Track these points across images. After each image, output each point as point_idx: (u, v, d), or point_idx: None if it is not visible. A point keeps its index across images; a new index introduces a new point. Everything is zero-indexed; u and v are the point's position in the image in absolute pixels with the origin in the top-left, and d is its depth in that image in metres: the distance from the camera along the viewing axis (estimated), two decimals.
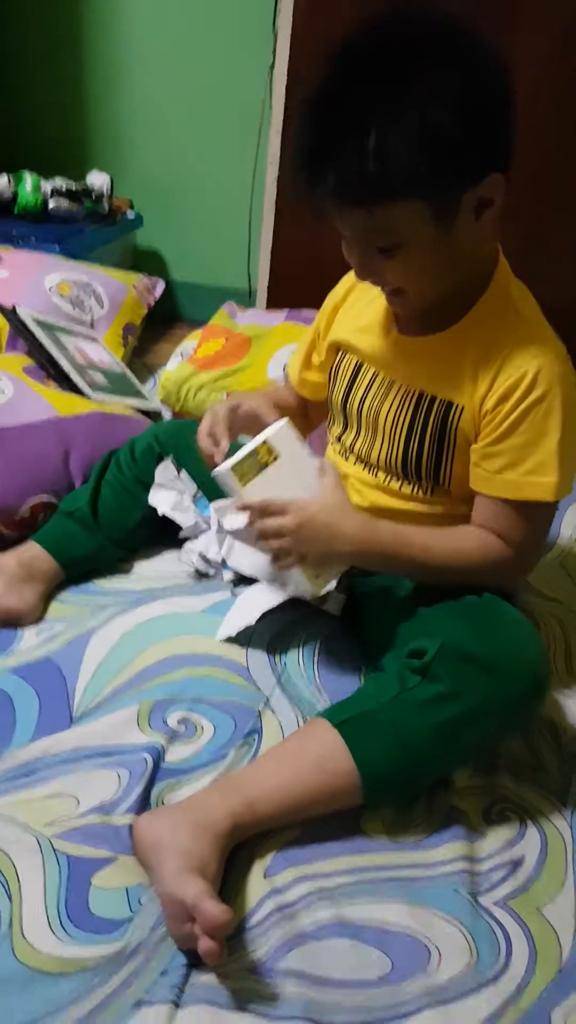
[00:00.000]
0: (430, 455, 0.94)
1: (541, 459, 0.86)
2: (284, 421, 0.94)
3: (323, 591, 0.99)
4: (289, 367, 1.16)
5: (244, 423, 1.01)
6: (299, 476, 0.92)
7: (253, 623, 1.01)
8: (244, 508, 0.90)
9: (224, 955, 0.68)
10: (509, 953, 0.74)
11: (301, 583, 0.97)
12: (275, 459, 0.91)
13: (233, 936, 0.72)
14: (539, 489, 0.87)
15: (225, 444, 0.97)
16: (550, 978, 0.73)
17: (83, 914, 0.72)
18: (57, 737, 0.88)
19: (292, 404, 1.16)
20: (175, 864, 0.70)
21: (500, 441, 0.88)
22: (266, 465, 0.91)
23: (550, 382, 0.85)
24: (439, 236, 0.80)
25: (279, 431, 0.93)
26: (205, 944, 0.66)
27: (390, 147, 0.73)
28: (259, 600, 1.03)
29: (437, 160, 0.74)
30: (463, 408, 0.90)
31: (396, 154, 0.73)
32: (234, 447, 0.95)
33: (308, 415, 1.17)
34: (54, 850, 0.76)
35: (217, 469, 0.91)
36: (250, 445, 0.91)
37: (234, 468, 0.90)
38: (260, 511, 0.89)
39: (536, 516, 0.89)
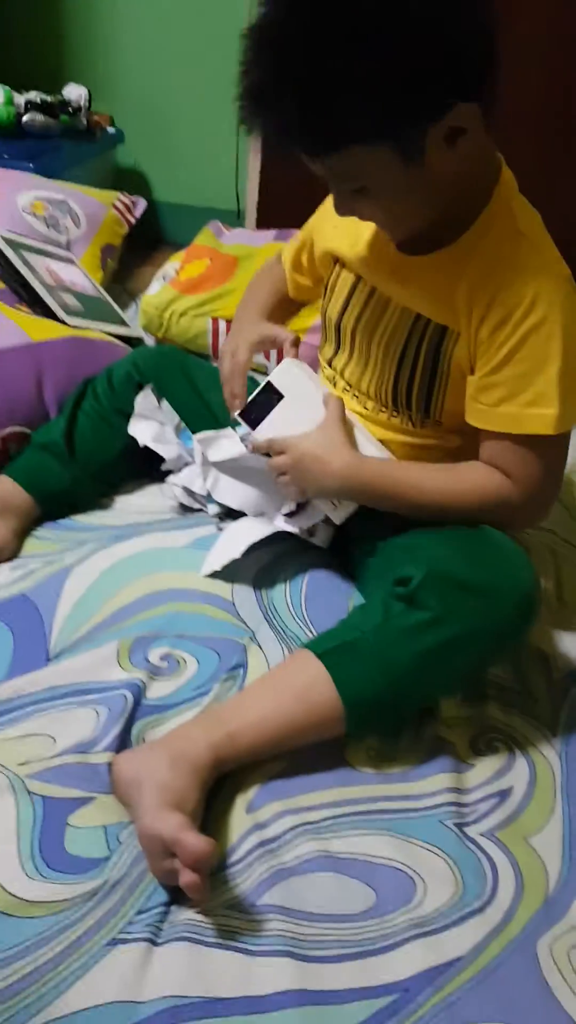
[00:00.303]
0: (421, 384, 0.90)
1: (541, 389, 0.81)
2: (287, 361, 0.97)
3: (341, 519, 0.98)
4: (284, 258, 1.11)
5: (261, 348, 1.03)
6: (306, 412, 0.94)
7: (239, 556, 0.97)
8: (255, 450, 0.95)
9: (207, 888, 0.67)
10: (495, 884, 0.73)
11: (321, 510, 0.99)
12: (280, 399, 0.95)
13: (214, 872, 0.71)
14: (540, 422, 0.82)
15: (241, 394, 0.99)
16: (536, 908, 0.72)
17: (58, 854, 0.71)
18: (32, 676, 0.86)
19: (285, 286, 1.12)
20: (152, 799, 0.69)
21: (497, 371, 0.82)
22: (273, 406, 0.95)
23: (550, 305, 0.79)
24: (409, 174, 0.75)
25: (283, 371, 0.96)
26: (187, 877, 0.65)
27: (337, 92, 0.67)
28: (245, 533, 1.00)
29: (390, 99, 0.68)
30: (458, 335, 0.85)
31: (345, 99, 0.68)
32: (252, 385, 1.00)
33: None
34: (28, 791, 0.75)
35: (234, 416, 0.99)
36: (258, 389, 0.97)
37: (241, 414, 0.97)
38: (266, 450, 0.93)
39: (542, 451, 0.84)
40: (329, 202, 1.00)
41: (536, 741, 0.87)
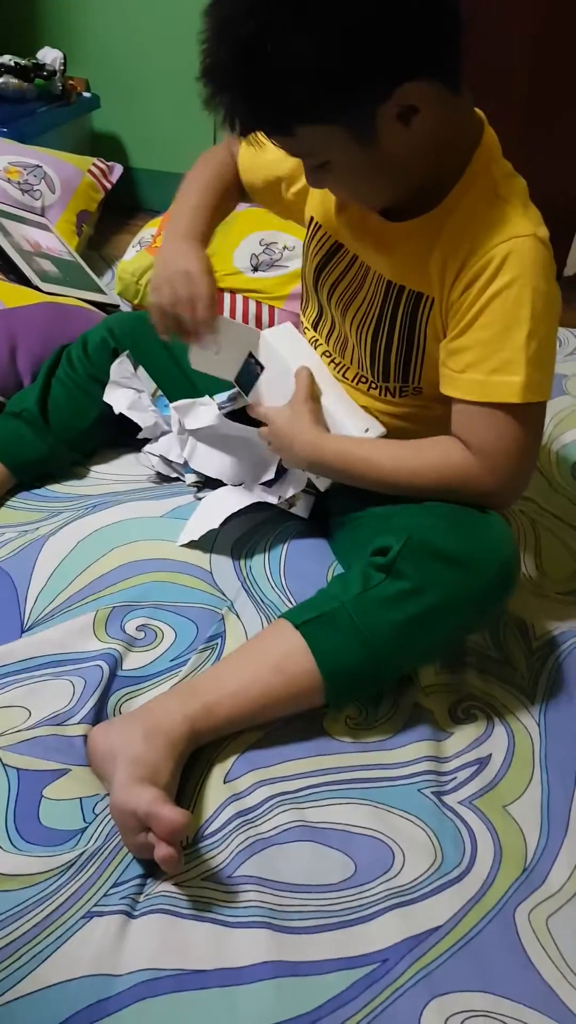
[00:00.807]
0: (398, 353, 0.88)
1: (508, 356, 0.77)
2: (265, 332, 0.96)
3: (325, 486, 0.98)
4: (241, 162, 1.01)
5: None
6: (284, 384, 0.94)
7: (217, 526, 0.96)
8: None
9: (181, 861, 0.66)
10: (474, 852, 0.73)
11: (301, 479, 0.99)
12: (261, 370, 0.95)
13: (191, 844, 0.70)
14: (505, 390, 0.77)
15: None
16: (515, 877, 0.72)
17: (33, 826, 0.69)
18: (7, 647, 0.84)
19: (232, 177, 1.01)
20: (125, 773, 0.68)
21: (463, 333, 0.79)
22: (257, 376, 0.96)
23: (521, 267, 0.76)
24: (364, 152, 0.73)
25: (263, 343, 0.95)
26: (162, 851, 0.64)
27: (280, 74, 0.67)
28: (223, 503, 0.98)
29: (331, 81, 0.67)
30: (433, 300, 0.83)
31: (287, 81, 0.67)
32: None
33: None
34: (2, 763, 0.73)
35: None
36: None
37: (236, 379, 0.97)
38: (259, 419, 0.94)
39: (510, 422, 0.79)
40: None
41: (515, 709, 0.87)
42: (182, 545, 0.97)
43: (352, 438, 0.91)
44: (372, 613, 0.77)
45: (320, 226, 0.94)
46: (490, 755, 0.82)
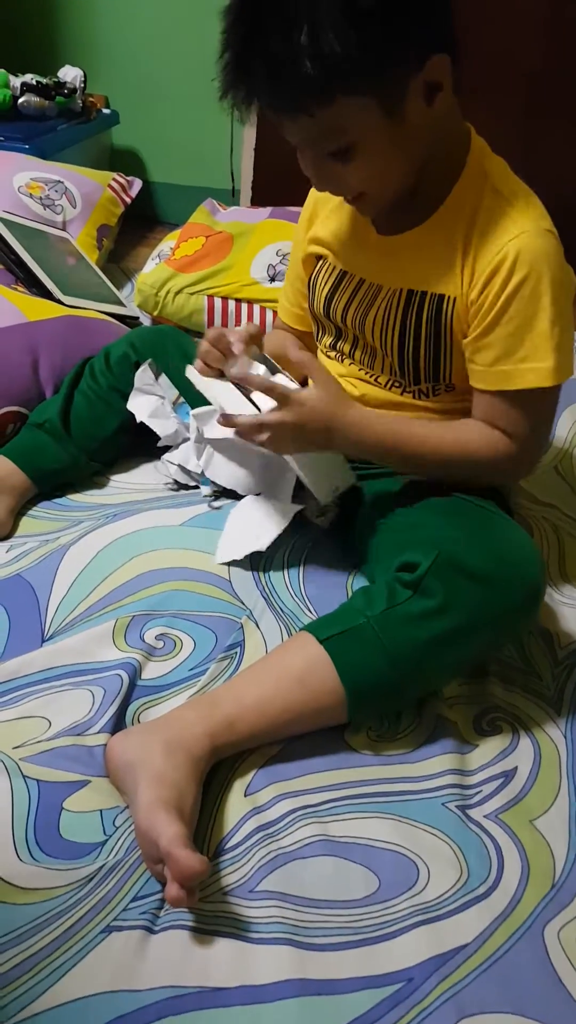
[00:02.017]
0: (427, 354, 0.88)
1: (535, 344, 0.80)
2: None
3: (329, 498, 0.95)
4: (281, 312, 1.08)
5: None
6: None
7: (264, 550, 0.94)
8: (244, 381, 0.84)
9: (193, 901, 0.63)
10: (501, 868, 0.71)
11: (311, 490, 0.93)
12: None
13: (212, 858, 0.69)
14: (536, 375, 0.81)
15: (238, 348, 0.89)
16: (543, 893, 0.70)
17: (53, 839, 0.69)
18: (27, 657, 0.83)
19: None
20: (149, 794, 0.66)
21: (489, 332, 0.82)
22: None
23: (533, 260, 0.79)
24: (391, 129, 0.74)
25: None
26: (173, 892, 0.62)
27: (321, 41, 0.67)
28: (264, 522, 0.97)
29: (374, 47, 0.68)
30: (455, 299, 0.84)
31: (330, 48, 0.67)
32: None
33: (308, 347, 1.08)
34: (23, 775, 0.72)
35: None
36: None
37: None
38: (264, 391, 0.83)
39: (538, 405, 0.84)
40: (302, 219, 1.00)
41: (540, 720, 0.85)
42: (220, 563, 0.95)
43: (391, 416, 0.90)
44: (398, 630, 0.76)
45: (325, 259, 0.96)
46: (516, 768, 0.80)
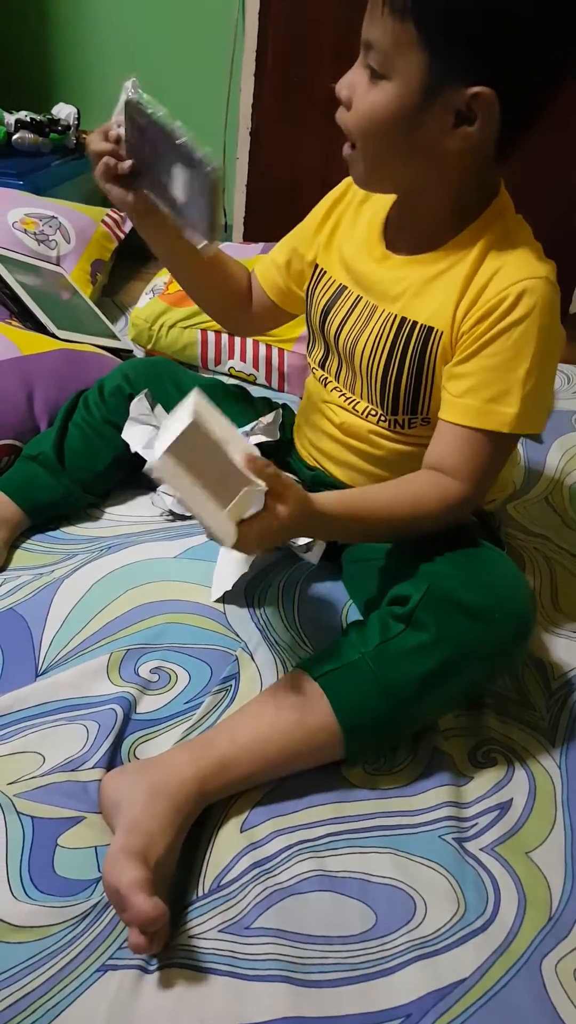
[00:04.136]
0: (408, 385, 0.89)
1: (506, 387, 0.80)
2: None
3: (317, 560, 0.94)
4: (261, 274, 1.06)
5: None
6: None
7: (247, 570, 0.95)
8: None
9: (156, 949, 0.63)
10: (498, 901, 0.71)
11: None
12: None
13: (207, 895, 0.69)
14: (498, 419, 0.81)
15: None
16: (540, 926, 0.69)
17: (48, 876, 0.68)
18: (21, 692, 0.83)
19: (241, 288, 1.05)
20: (117, 842, 0.66)
21: (468, 360, 0.82)
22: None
23: (532, 305, 0.79)
24: (417, 101, 0.75)
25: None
26: (133, 938, 0.61)
27: None
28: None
29: (465, 29, 0.70)
30: (443, 334, 0.85)
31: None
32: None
33: (253, 315, 1.08)
34: (16, 811, 0.72)
35: None
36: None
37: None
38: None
39: (492, 448, 0.83)
40: (310, 217, 1.00)
41: (535, 751, 0.85)
42: (215, 600, 0.96)
43: (343, 498, 0.85)
44: (392, 665, 0.76)
45: (325, 271, 0.96)
46: (511, 800, 0.80)
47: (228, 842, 0.73)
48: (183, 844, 0.70)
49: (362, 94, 0.78)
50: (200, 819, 0.72)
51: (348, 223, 0.95)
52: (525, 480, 1.34)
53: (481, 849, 0.75)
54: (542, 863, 0.75)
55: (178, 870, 0.69)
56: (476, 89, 0.73)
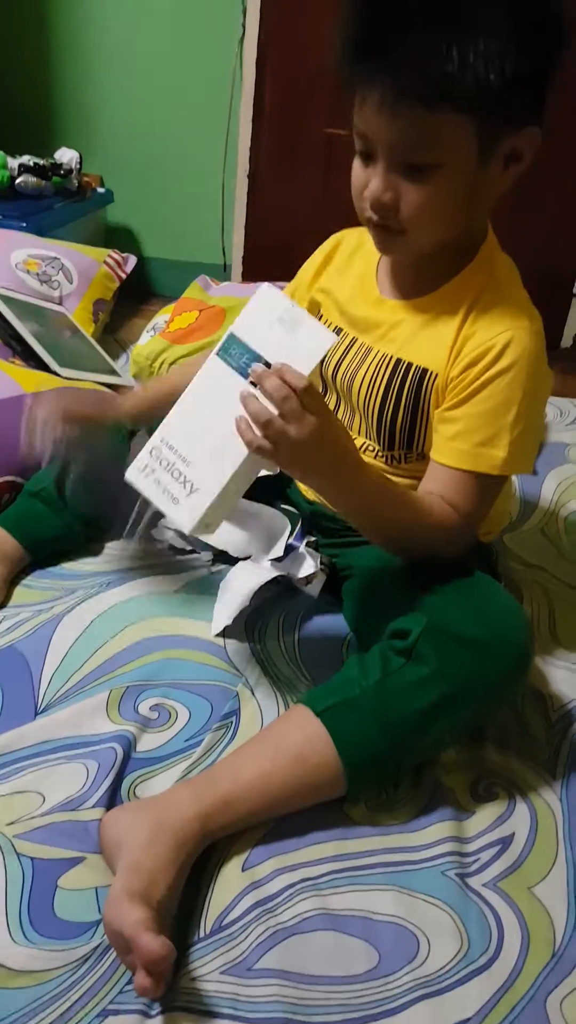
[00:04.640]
0: (404, 422, 0.90)
1: (495, 432, 0.83)
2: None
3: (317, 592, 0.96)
4: None
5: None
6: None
7: (248, 603, 0.96)
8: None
9: (161, 991, 0.62)
10: (501, 937, 0.70)
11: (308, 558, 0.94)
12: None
13: (209, 935, 0.68)
14: (487, 462, 0.83)
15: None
16: (544, 962, 0.69)
17: (48, 918, 0.68)
18: (20, 731, 0.83)
19: None
20: (119, 884, 0.65)
21: (458, 406, 0.85)
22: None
23: (518, 355, 0.82)
24: (473, 169, 0.77)
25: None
26: (141, 979, 0.60)
27: (471, 53, 0.69)
28: (246, 580, 0.98)
29: (504, 86, 0.71)
30: (436, 375, 0.87)
31: (475, 63, 0.70)
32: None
33: None
34: (16, 852, 0.72)
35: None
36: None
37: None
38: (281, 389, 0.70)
39: (481, 490, 0.85)
40: (310, 262, 1.02)
41: (536, 784, 0.85)
42: (216, 635, 0.96)
43: (382, 474, 0.85)
44: (394, 700, 0.76)
45: (321, 315, 0.99)
46: (513, 834, 0.79)
47: (230, 881, 0.72)
48: (184, 884, 0.70)
49: (412, 194, 0.77)
50: (201, 858, 0.72)
51: (341, 271, 0.98)
52: (521, 512, 1.35)
53: (484, 885, 0.75)
54: (545, 898, 0.74)
55: (179, 910, 0.69)
56: (524, 131, 0.76)
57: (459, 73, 0.70)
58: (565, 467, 1.48)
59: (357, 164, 0.80)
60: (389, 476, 0.94)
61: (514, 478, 1.40)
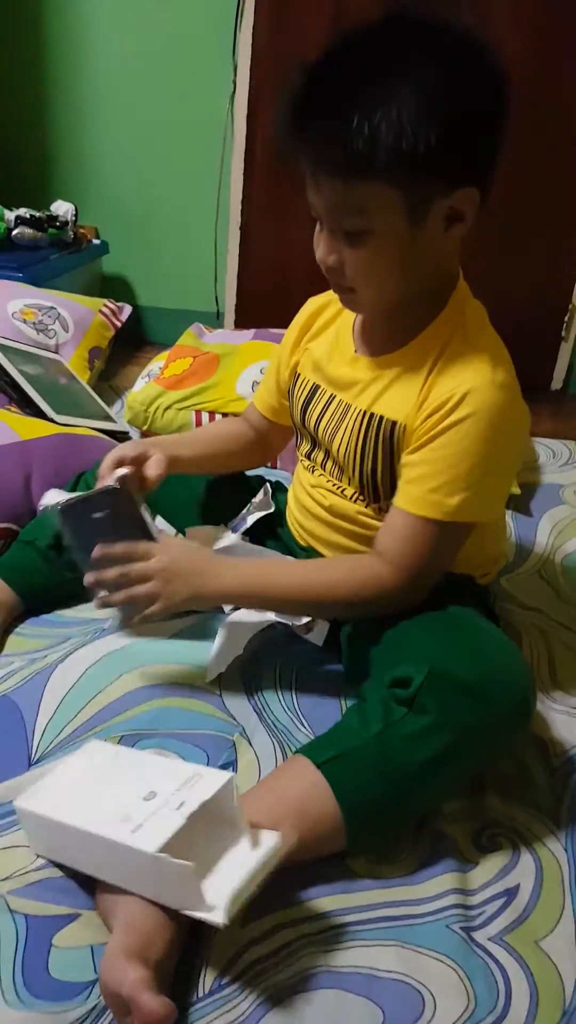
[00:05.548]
0: (384, 476, 0.92)
1: (449, 479, 0.83)
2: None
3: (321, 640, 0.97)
4: (256, 399, 1.13)
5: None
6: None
7: (242, 651, 0.95)
8: (105, 556, 0.87)
9: None
10: (508, 994, 0.68)
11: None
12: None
13: (208, 995, 0.66)
14: (438, 508, 0.84)
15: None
16: (554, 1021, 0.67)
17: (42, 979, 0.65)
18: (14, 782, 0.82)
19: (246, 436, 1.13)
20: (116, 943, 0.63)
21: (416, 452, 0.86)
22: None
23: (477, 406, 0.82)
24: (406, 233, 0.79)
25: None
26: None
27: (378, 127, 0.72)
28: (241, 628, 0.98)
29: (419, 153, 0.73)
30: (405, 427, 0.88)
31: (383, 135, 0.72)
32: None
33: (268, 442, 1.15)
34: (10, 909, 0.70)
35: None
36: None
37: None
38: (124, 556, 0.87)
39: (436, 534, 0.85)
40: (288, 335, 1.05)
41: (539, 833, 0.83)
42: (209, 681, 0.95)
43: (255, 561, 0.94)
44: (396, 751, 0.75)
45: (300, 374, 1.02)
46: (518, 885, 0.78)
47: (228, 939, 0.70)
48: (182, 942, 0.68)
49: (352, 258, 0.82)
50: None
51: (320, 331, 1.01)
52: (517, 553, 1.35)
53: (489, 939, 0.73)
54: (552, 952, 0.72)
55: (176, 969, 0.67)
56: (458, 193, 0.78)
57: (370, 146, 0.73)
58: (560, 508, 1.49)
59: (317, 228, 0.85)
60: (381, 523, 0.95)
61: (509, 520, 1.41)
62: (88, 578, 0.88)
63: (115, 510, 0.90)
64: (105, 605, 0.89)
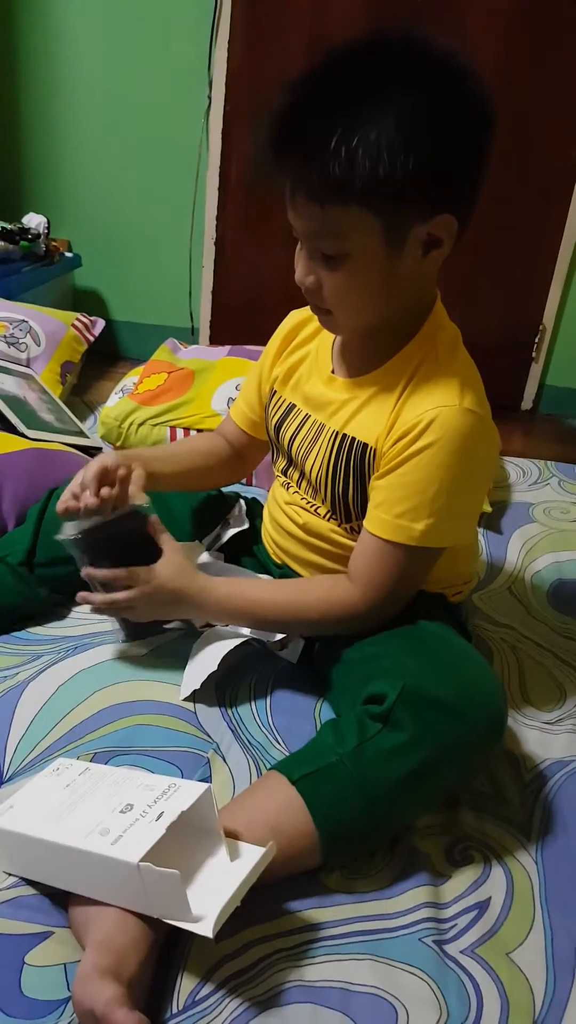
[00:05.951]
0: (355, 496, 0.93)
1: (415, 505, 0.85)
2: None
3: (296, 658, 1.00)
4: (234, 412, 1.14)
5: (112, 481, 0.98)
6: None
7: (216, 668, 0.95)
8: (90, 578, 0.94)
9: None
10: (480, 1006, 0.69)
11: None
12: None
13: (182, 1011, 0.66)
14: (402, 533, 0.86)
15: (89, 501, 0.95)
16: None
17: (15, 998, 0.65)
18: None
19: (222, 451, 1.14)
20: (89, 961, 0.63)
21: (383, 477, 0.88)
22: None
23: (443, 432, 0.83)
24: (384, 258, 0.80)
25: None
26: None
27: (356, 152, 0.73)
28: (217, 644, 0.98)
29: (396, 179, 0.74)
30: (375, 449, 0.89)
31: (360, 161, 0.73)
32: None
33: (244, 456, 1.15)
34: None
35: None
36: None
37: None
38: (127, 581, 0.92)
39: (403, 558, 0.87)
40: (266, 352, 1.06)
41: (511, 847, 0.84)
42: (184, 699, 0.95)
43: (235, 580, 0.98)
44: (371, 768, 0.75)
45: (276, 391, 1.03)
46: (489, 898, 0.79)
47: (202, 954, 0.70)
48: (156, 959, 0.68)
49: (329, 281, 0.83)
50: (173, 931, 0.70)
51: (302, 345, 1.02)
52: (488, 571, 1.37)
53: (461, 951, 0.74)
54: (523, 964, 0.73)
55: (151, 986, 0.66)
56: (436, 220, 0.79)
57: (348, 171, 0.74)
58: (529, 526, 1.52)
59: (298, 247, 0.85)
60: (354, 542, 0.96)
61: (481, 538, 1.43)
62: (88, 597, 0.96)
63: (138, 530, 0.97)
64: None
